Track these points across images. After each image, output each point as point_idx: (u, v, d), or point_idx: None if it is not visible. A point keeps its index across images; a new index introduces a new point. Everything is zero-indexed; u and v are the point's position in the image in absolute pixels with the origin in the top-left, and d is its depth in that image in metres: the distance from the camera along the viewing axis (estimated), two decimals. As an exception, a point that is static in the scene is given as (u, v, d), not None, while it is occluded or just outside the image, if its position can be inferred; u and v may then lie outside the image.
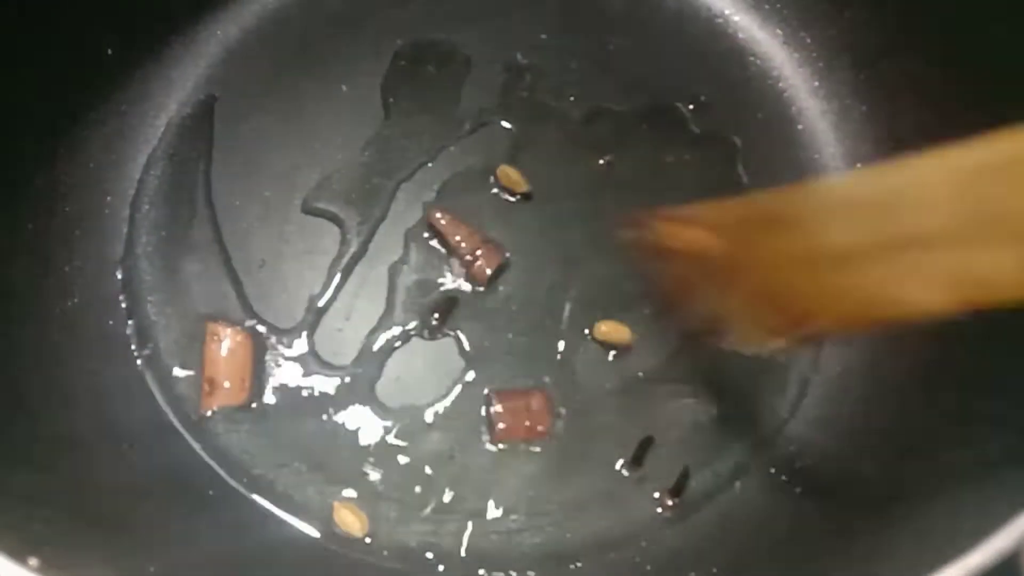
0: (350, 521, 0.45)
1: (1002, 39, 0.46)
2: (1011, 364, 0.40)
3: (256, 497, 0.46)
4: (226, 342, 0.48)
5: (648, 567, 0.45)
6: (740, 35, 0.58)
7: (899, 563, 0.33)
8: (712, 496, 0.47)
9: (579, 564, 0.46)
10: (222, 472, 0.46)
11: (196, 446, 0.47)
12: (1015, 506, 0.30)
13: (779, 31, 0.58)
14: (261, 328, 0.50)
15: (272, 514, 0.46)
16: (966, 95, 0.48)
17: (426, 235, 0.52)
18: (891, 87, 0.54)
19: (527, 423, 0.48)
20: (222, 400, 0.47)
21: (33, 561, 0.26)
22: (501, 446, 0.48)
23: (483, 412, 0.48)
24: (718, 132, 0.56)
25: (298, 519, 0.46)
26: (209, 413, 0.47)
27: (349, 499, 0.46)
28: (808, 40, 0.57)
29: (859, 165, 0.54)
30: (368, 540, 0.45)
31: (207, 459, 0.47)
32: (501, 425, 0.47)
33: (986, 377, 0.41)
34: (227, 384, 0.47)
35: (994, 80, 0.46)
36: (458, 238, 0.51)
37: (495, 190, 0.53)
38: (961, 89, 0.48)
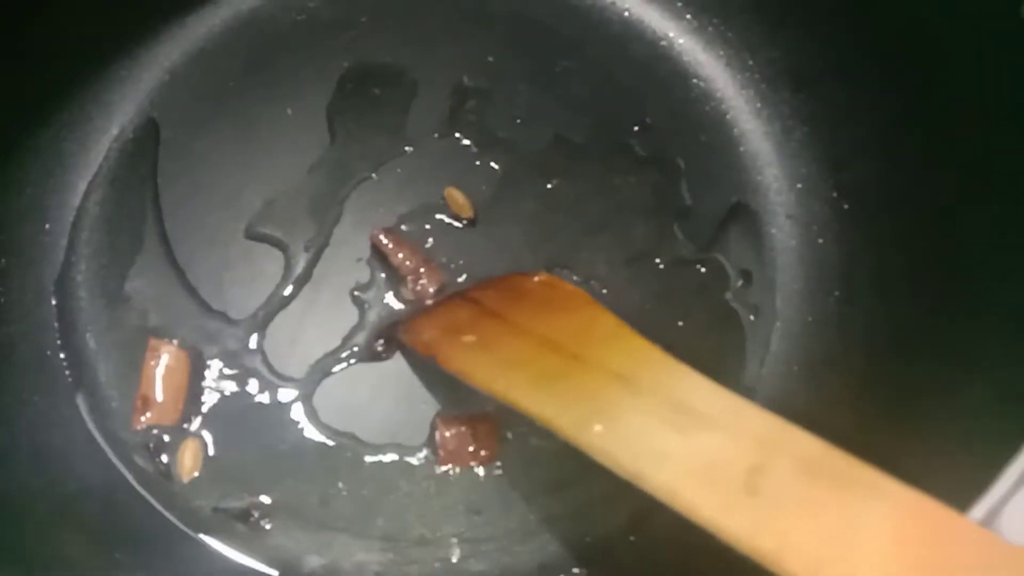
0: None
1: (937, 59, 0.47)
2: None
3: (189, 529, 0.46)
4: (164, 359, 0.47)
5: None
6: (684, 58, 0.59)
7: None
8: (659, 511, 0.47)
9: (525, 589, 0.46)
10: (155, 503, 0.46)
11: (128, 475, 0.46)
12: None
13: (722, 53, 0.59)
14: (201, 348, 0.49)
15: (205, 544, 0.45)
16: (903, 115, 0.49)
17: (371, 258, 0.52)
18: (830, 108, 0.54)
19: (472, 448, 0.48)
20: (154, 418, 0.47)
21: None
22: (447, 471, 0.47)
23: (429, 437, 0.48)
24: (662, 154, 0.56)
25: (233, 549, 0.45)
26: (140, 429, 0.47)
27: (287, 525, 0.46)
28: (750, 62, 0.58)
29: (799, 185, 0.55)
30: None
31: (140, 490, 0.46)
32: (447, 450, 0.47)
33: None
34: (160, 403, 0.47)
35: (931, 99, 0.47)
36: (401, 256, 0.51)
37: (441, 214, 0.53)
38: (898, 109, 0.49)
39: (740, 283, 0.53)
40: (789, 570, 0.25)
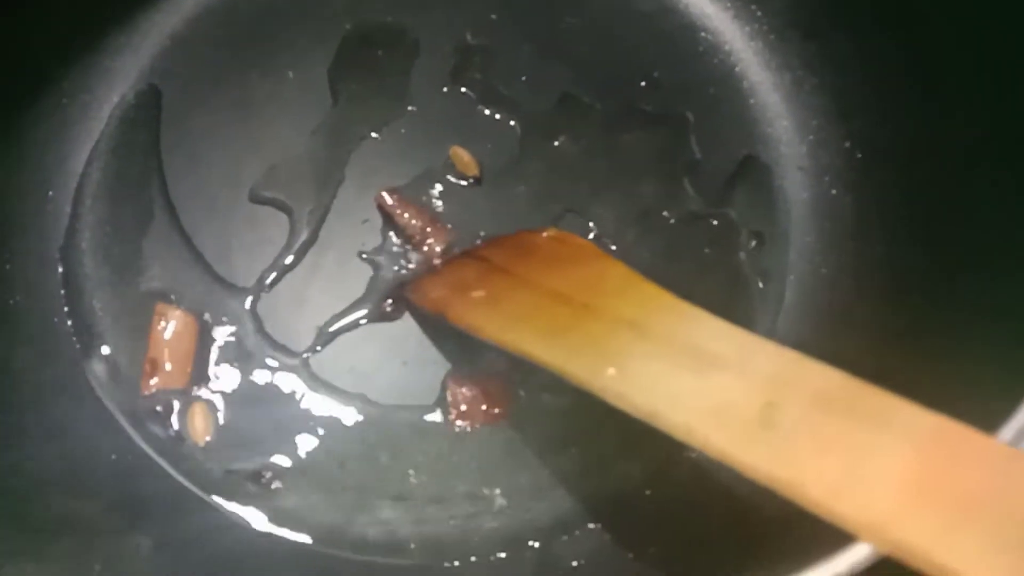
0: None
1: (946, 6, 0.46)
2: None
3: (201, 491, 0.46)
4: (172, 324, 0.47)
5: (608, 543, 0.44)
6: (691, 10, 0.58)
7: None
8: (673, 466, 0.47)
9: (537, 545, 0.45)
10: (167, 466, 0.46)
11: (139, 440, 0.46)
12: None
13: (729, 5, 0.58)
14: (209, 314, 0.49)
15: (218, 506, 0.45)
16: (915, 64, 0.48)
17: (377, 219, 0.51)
18: (841, 58, 0.53)
19: (484, 407, 0.47)
20: (163, 382, 0.47)
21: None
22: (459, 430, 0.47)
23: (440, 397, 0.48)
24: (671, 109, 0.55)
25: (246, 509, 0.45)
26: (148, 394, 0.47)
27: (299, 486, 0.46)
28: (759, 13, 0.57)
29: (811, 137, 0.54)
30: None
31: (150, 452, 0.46)
32: (459, 409, 0.47)
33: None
34: (169, 367, 0.47)
35: (942, 49, 0.46)
36: (407, 216, 0.50)
37: (446, 174, 0.53)
38: (909, 58, 0.48)
39: (753, 241, 0.53)
40: (809, 497, 0.25)
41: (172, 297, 0.49)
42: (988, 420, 0.28)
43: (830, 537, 0.28)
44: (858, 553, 0.25)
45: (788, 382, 0.28)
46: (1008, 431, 0.27)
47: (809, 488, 0.25)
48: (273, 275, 0.50)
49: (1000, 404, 0.29)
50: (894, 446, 0.24)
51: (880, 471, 0.24)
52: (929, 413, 0.25)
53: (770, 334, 0.51)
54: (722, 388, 0.29)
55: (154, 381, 0.47)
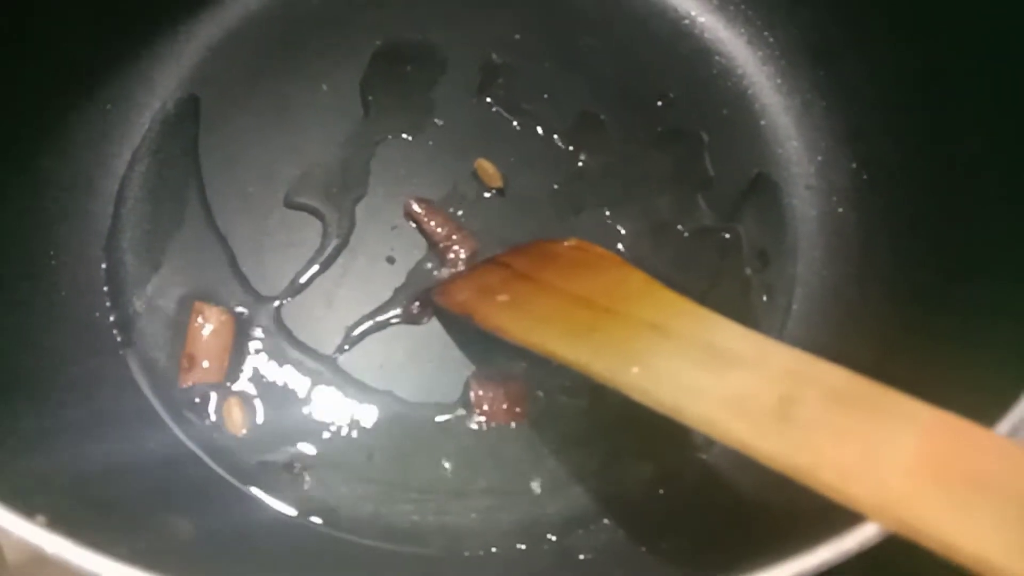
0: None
1: (954, 32, 0.48)
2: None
3: (235, 480, 0.48)
4: (210, 321, 0.49)
5: (623, 538, 0.46)
6: (706, 35, 0.61)
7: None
8: (686, 467, 0.49)
9: (555, 538, 0.47)
10: (204, 456, 0.48)
11: (177, 431, 0.48)
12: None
13: (743, 31, 0.60)
14: (244, 311, 0.51)
15: (252, 495, 0.47)
16: (918, 88, 0.51)
17: (405, 226, 0.54)
18: (850, 82, 0.56)
19: (505, 406, 0.50)
20: (200, 377, 0.49)
21: (41, 518, 0.28)
22: (481, 427, 0.49)
23: (463, 395, 0.50)
24: (685, 127, 0.58)
25: (278, 499, 0.47)
26: (186, 387, 0.49)
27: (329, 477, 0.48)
28: (771, 39, 0.60)
29: (819, 157, 0.57)
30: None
31: (187, 442, 0.48)
32: (481, 408, 0.49)
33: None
34: (206, 363, 0.49)
35: (948, 71, 0.49)
36: (434, 224, 0.53)
37: (472, 184, 0.55)
38: (916, 84, 0.51)
39: (762, 255, 0.55)
40: (824, 481, 0.27)
41: (209, 295, 0.51)
42: (986, 416, 0.30)
43: (834, 528, 0.30)
44: (865, 532, 0.28)
45: (802, 379, 0.30)
46: (1004, 425, 0.30)
47: (824, 473, 0.27)
48: (305, 277, 0.52)
49: (996, 402, 0.31)
50: (902, 436, 0.27)
51: (890, 458, 0.26)
52: (933, 408, 0.28)
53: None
54: (741, 384, 0.31)
55: (192, 376, 0.49)
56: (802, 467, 0.27)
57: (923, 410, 0.27)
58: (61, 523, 0.29)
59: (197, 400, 0.49)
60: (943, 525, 0.24)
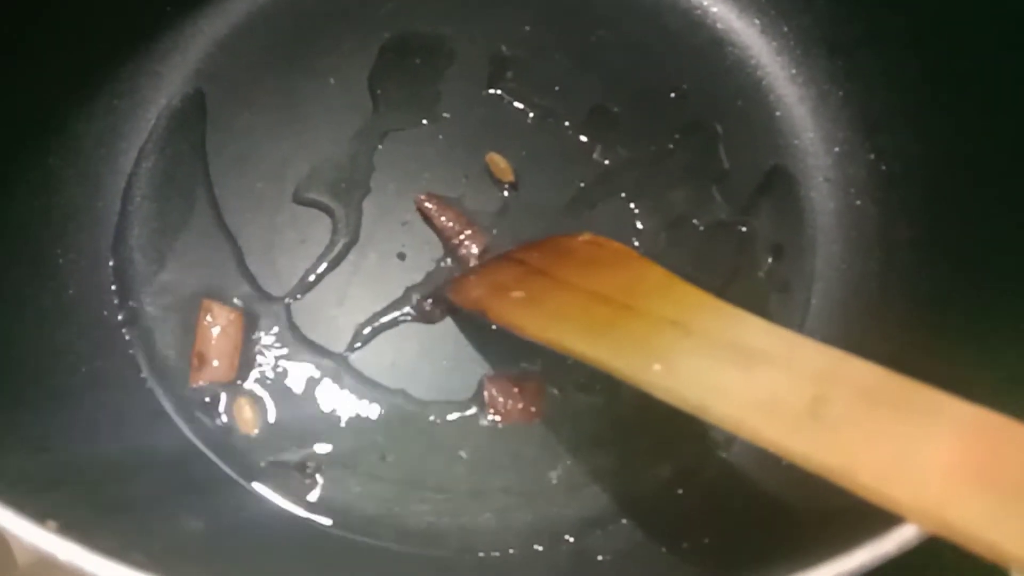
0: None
1: (971, 21, 0.47)
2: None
3: (246, 480, 0.47)
4: (219, 319, 0.49)
5: (641, 538, 0.46)
6: (718, 25, 0.60)
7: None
8: (704, 465, 0.48)
9: (572, 539, 0.47)
10: (214, 456, 0.47)
11: (188, 431, 0.48)
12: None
13: (756, 21, 0.59)
14: (253, 309, 0.50)
15: (262, 495, 0.46)
16: (938, 77, 0.50)
17: (416, 222, 0.53)
18: (867, 72, 0.55)
19: (520, 406, 0.49)
20: (210, 376, 0.48)
21: (52, 523, 0.27)
22: (496, 426, 0.49)
23: (477, 393, 0.49)
24: (699, 120, 0.57)
25: (292, 502, 0.47)
26: (196, 386, 0.48)
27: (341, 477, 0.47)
28: (785, 29, 0.59)
29: (837, 149, 0.56)
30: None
31: (197, 443, 0.47)
32: (496, 408, 0.48)
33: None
34: (216, 362, 0.48)
35: (966, 60, 0.48)
36: (445, 219, 0.52)
37: (483, 179, 0.54)
38: (935, 73, 0.50)
39: (780, 249, 0.54)
40: (861, 482, 0.26)
41: (218, 293, 0.50)
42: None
43: (863, 528, 0.30)
44: (904, 534, 0.27)
45: (834, 377, 0.29)
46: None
47: (860, 474, 0.26)
48: (315, 274, 0.51)
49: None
50: (941, 434, 0.26)
51: (928, 457, 0.25)
52: (971, 405, 0.27)
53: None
54: (770, 382, 0.30)
55: (202, 375, 0.48)
56: (838, 468, 0.26)
57: (961, 407, 0.26)
58: (72, 528, 0.28)
59: (207, 399, 0.48)
60: (987, 527, 0.23)
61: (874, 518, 0.29)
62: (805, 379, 0.30)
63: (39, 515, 0.28)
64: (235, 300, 0.50)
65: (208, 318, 0.49)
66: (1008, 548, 0.23)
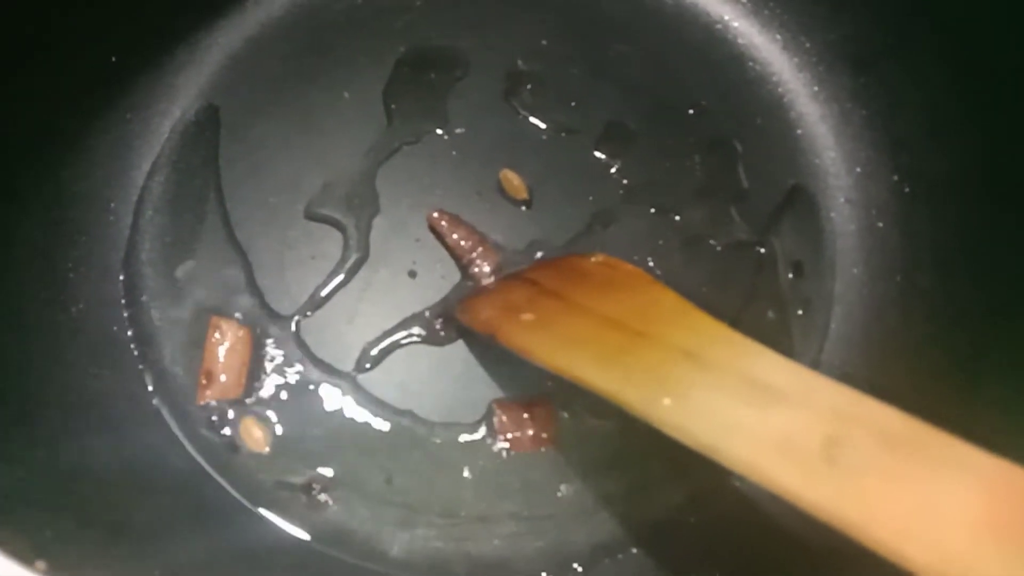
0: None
1: (998, 41, 0.46)
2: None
3: (250, 502, 0.47)
4: (227, 336, 0.48)
5: (651, 568, 0.45)
6: (739, 40, 0.59)
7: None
8: (718, 492, 0.47)
9: (581, 568, 0.46)
10: (219, 477, 0.47)
11: (193, 450, 0.47)
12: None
13: (778, 36, 0.58)
14: (262, 326, 0.50)
15: (266, 517, 0.46)
16: (966, 97, 0.49)
17: (428, 239, 0.52)
18: (891, 91, 0.54)
19: (530, 432, 0.48)
20: (217, 394, 0.48)
21: (41, 564, 0.27)
22: (505, 449, 0.48)
23: (486, 415, 0.48)
24: (719, 137, 0.56)
25: (297, 525, 0.46)
26: (203, 404, 0.48)
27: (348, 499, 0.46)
28: (807, 45, 0.58)
29: (858, 169, 0.55)
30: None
31: (202, 462, 0.47)
32: (506, 436, 0.48)
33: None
34: (224, 378, 0.48)
35: (992, 81, 0.47)
36: (456, 236, 0.51)
37: (496, 196, 0.53)
38: (960, 91, 0.49)
39: (798, 271, 0.53)
40: (876, 538, 0.25)
41: (227, 310, 0.50)
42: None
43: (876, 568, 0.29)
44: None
45: (851, 419, 0.28)
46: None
47: (877, 529, 0.25)
48: (326, 291, 0.51)
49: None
50: (962, 489, 0.25)
51: (950, 514, 0.24)
52: (994, 457, 0.25)
53: (815, 364, 0.51)
54: (784, 423, 0.29)
55: (209, 392, 0.48)
56: (851, 520, 0.25)
57: (984, 460, 0.25)
58: (62, 567, 0.28)
59: (214, 418, 0.48)
60: None
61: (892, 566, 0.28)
62: (820, 418, 0.29)
63: (28, 555, 0.27)
64: (244, 316, 0.50)
65: (216, 335, 0.49)
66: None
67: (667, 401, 0.33)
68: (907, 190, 0.52)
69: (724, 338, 0.35)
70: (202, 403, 0.48)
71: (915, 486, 0.25)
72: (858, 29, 0.55)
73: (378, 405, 0.49)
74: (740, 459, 0.29)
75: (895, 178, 0.53)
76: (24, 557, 0.27)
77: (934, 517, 0.24)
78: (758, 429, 0.29)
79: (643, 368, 0.36)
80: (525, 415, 0.48)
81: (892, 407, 0.28)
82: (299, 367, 0.49)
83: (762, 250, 0.53)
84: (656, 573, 0.45)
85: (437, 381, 0.49)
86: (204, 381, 0.48)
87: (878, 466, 0.26)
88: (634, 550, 0.46)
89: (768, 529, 0.44)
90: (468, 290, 0.51)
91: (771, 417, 0.29)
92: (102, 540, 0.36)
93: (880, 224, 0.53)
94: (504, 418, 0.48)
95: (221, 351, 0.49)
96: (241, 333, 0.49)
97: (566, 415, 0.48)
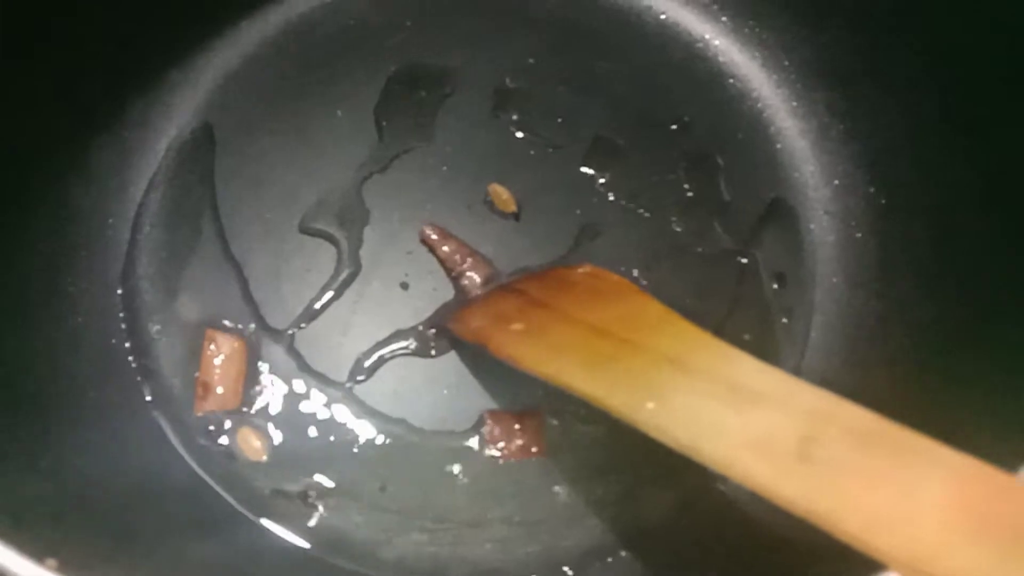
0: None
1: (971, 58, 0.48)
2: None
3: (248, 509, 0.47)
4: (223, 348, 0.50)
5: (640, 571, 0.46)
6: (720, 58, 0.61)
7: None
8: (706, 495, 0.48)
9: (571, 571, 0.47)
10: (216, 486, 0.48)
11: (190, 459, 0.48)
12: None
13: (757, 54, 0.60)
14: (258, 338, 0.51)
15: (264, 526, 0.47)
16: (938, 111, 0.50)
17: (420, 252, 0.53)
18: (868, 106, 0.56)
19: (521, 443, 0.49)
20: (214, 404, 0.49)
21: (51, 562, 0.28)
22: (497, 456, 0.49)
23: (478, 423, 0.50)
24: (701, 151, 0.58)
25: (294, 532, 0.47)
26: (201, 414, 0.49)
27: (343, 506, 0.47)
28: (786, 62, 0.59)
29: (836, 182, 0.56)
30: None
31: (200, 471, 0.48)
32: (496, 446, 0.49)
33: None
34: (220, 390, 0.49)
35: (966, 96, 0.48)
36: (447, 249, 0.52)
37: (486, 209, 0.55)
38: (936, 104, 0.50)
39: (780, 281, 0.54)
40: (847, 530, 0.26)
41: (223, 322, 0.51)
42: (1009, 461, 0.30)
43: (858, 566, 0.30)
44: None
45: (826, 419, 0.29)
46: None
47: (847, 522, 0.26)
48: (320, 303, 0.52)
49: (1020, 447, 0.31)
50: (932, 484, 0.26)
51: (920, 508, 0.25)
52: (963, 455, 0.27)
53: (796, 371, 0.52)
54: (761, 423, 0.31)
55: (206, 403, 0.49)
56: (824, 513, 0.27)
57: (953, 457, 0.27)
58: (71, 565, 0.29)
59: (211, 428, 0.49)
60: None
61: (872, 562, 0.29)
62: (796, 419, 0.30)
63: (38, 553, 0.28)
64: (240, 329, 0.51)
65: (212, 347, 0.50)
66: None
67: (651, 405, 0.34)
68: (883, 202, 0.54)
69: (705, 345, 0.37)
70: (199, 414, 0.49)
71: (886, 481, 0.27)
72: (833, 46, 0.57)
73: (372, 415, 0.50)
74: (719, 458, 0.31)
75: (872, 190, 0.55)
76: (35, 555, 0.28)
77: (903, 510, 0.25)
78: (736, 429, 0.31)
79: (628, 374, 0.37)
80: (516, 426, 0.49)
81: (866, 409, 0.30)
82: (294, 378, 0.50)
83: (744, 261, 0.55)
84: (638, 571, 0.46)
85: (429, 391, 0.50)
86: (201, 392, 0.49)
87: (851, 463, 0.28)
88: (623, 553, 0.47)
89: (754, 531, 0.45)
90: (459, 301, 0.52)
91: (748, 418, 0.31)
92: (108, 544, 0.36)
93: (858, 235, 0.55)
94: (495, 429, 0.49)
95: (217, 363, 0.50)
96: (236, 345, 0.50)
97: (556, 422, 0.50)
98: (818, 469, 0.28)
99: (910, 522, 0.25)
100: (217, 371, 0.50)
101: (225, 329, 0.51)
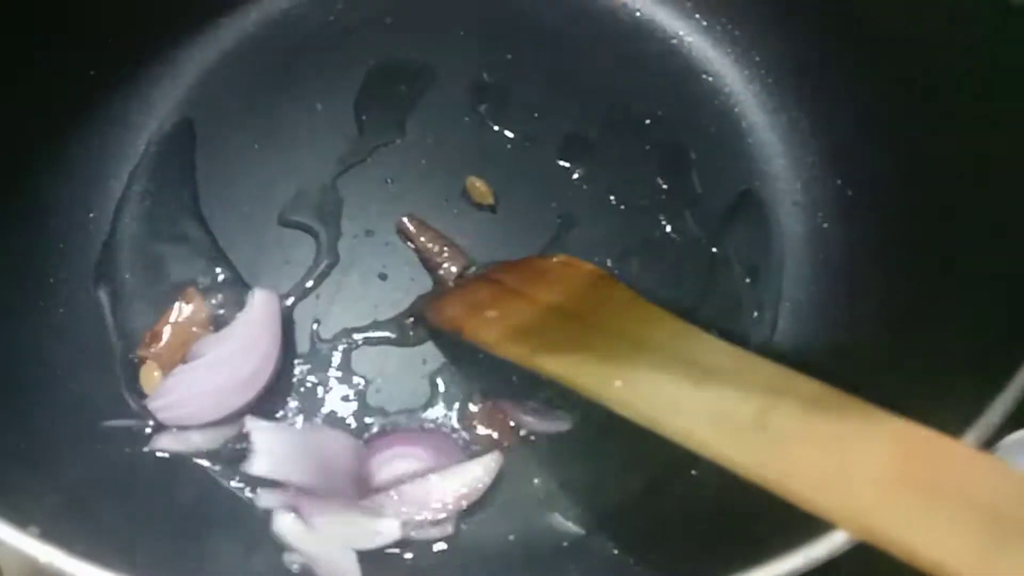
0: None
1: (933, 50, 0.49)
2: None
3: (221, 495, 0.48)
4: (187, 310, 0.51)
5: (611, 551, 0.47)
6: (693, 55, 0.62)
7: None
8: (673, 482, 0.49)
9: (546, 554, 0.48)
10: (205, 464, 0.48)
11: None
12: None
13: (729, 50, 0.62)
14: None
15: (249, 506, 0.48)
16: (905, 106, 0.51)
17: (397, 243, 0.54)
18: (833, 101, 0.57)
19: (494, 432, 0.50)
20: (154, 356, 0.50)
21: (34, 529, 0.29)
22: (472, 444, 0.50)
23: (457, 412, 0.50)
24: (674, 145, 0.59)
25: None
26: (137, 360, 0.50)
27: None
28: (757, 58, 0.61)
29: (805, 175, 0.58)
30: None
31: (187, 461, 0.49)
32: (472, 433, 0.50)
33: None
34: (166, 341, 0.50)
35: (928, 89, 0.50)
36: (425, 240, 0.53)
37: (463, 202, 0.56)
38: (900, 100, 0.52)
39: (749, 271, 0.56)
40: (795, 491, 0.27)
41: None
42: (957, 428, 0.31)
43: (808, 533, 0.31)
44: (835, 541, 0.28)
45: (778, 391, 0.31)
46: (971, 436, 0.31)
47: (795, 484, 0.27)
48: (299, 292, 0.53)
49: (966, 414, 0.32)
50: (872, 446, 0.27)
51: (859, 468, 0.27)
52: (903, 419, 0.28)
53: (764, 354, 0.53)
54: (719, 396, 0.32)
55: (147, 352, 0.50)
56: (772, 478, 0.28)
57: (893, 421, 0.28)
58: (53, 534, 0.30)
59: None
60: (908, 533, 0.25)
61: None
62: (752, 392, 0.31)
63: (22, 522, 0.29)
64: (220, 320, 0.52)
65: (180, 306, 0.51)
66: (926, 553, 0.24)
67: (618, 383, 0.35)
68: (849, 193, 0.55)
69: (669, 325, 0.38)
70: (139, 354, 0.50)
71: (832, 446, 0.28)
72: (801, 43, 0.58)
73: (349, 404, 0.51)
74: (679, 430, 0.32)
75: (838, 182, 0.56)
76: (19, 522, 0.28)
77: (848, 472, 0.27)
78: (696, 403, 0.32)
79: (597, 355, 0.38)
80: (490, 414, 0.50)
81: (816, 380, 0.31)
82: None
83: (715, 251, 0.56)
84: (617, 555, 0.47)
85: (407, 380, 0.51)
86: (148, 339, 0.50)
87: (801, 429, 0.29)
88: (596, 536, 0.48)
89: (719, 509, 0.46)
90: (436, 292, 0.53)
91: (708, 391, 0.32)
92: (89, 525, 0.37)
93: (825, 225, 0.56)
94: (471, 419, 0.50)
95: (173, 320, 0.51)
96: (201, 309, 0.51)
97: (531, 406, 0.51)
98: (770, 436, 0.29)
99: (852, 482, 0.26)
100: (170, 328, 0.50)
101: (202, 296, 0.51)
